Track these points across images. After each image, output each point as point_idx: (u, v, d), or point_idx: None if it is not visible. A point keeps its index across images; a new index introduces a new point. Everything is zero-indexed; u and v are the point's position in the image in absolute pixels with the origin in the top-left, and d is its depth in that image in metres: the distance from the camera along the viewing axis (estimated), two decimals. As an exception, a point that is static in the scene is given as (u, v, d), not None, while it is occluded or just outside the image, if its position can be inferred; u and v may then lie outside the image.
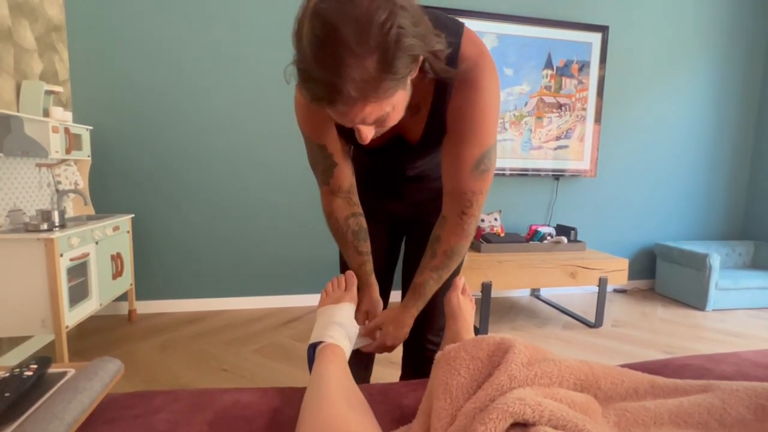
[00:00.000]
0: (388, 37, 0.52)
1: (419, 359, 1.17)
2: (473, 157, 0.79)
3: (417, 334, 1.16)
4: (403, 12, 0.54)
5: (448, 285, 1.02)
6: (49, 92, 2.04)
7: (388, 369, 1.90)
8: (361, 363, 1.17)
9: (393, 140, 0.87)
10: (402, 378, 1.27)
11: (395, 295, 1.11)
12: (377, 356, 2.03)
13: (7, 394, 0.60)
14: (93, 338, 2.25)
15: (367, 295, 0.99)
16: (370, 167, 1.05)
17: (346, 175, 0.91)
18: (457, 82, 0.73)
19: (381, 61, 0.53)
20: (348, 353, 0.84)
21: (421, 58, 0.61)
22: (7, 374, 0.65)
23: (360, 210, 0.98)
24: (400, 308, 0.94)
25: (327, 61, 0.52)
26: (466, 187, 0.83)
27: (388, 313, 0.95)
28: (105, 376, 0.71)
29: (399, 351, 1.32)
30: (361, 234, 0.96)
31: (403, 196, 1.08)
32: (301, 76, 0.56)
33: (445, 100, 0.76)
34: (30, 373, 0.66)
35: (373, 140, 0.72)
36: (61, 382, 0.69)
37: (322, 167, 0.89)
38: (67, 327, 1.77)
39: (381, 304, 1.01)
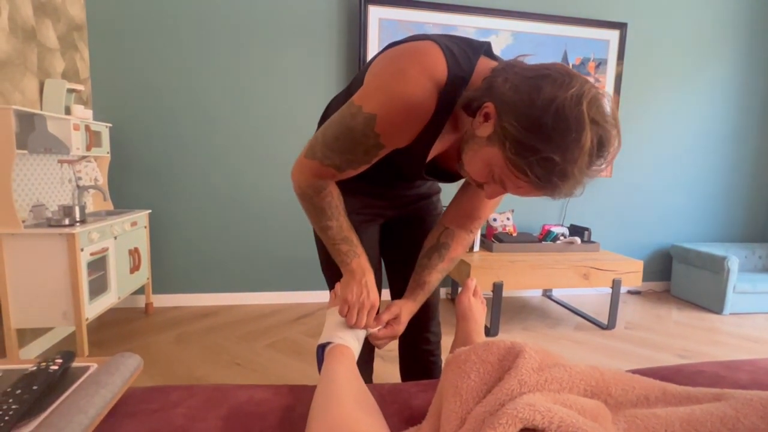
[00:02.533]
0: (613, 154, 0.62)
1: (420, 351, 1.21)
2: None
3: (418, 328, 1.19)
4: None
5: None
6: (70, 90, 2.10)
7: (392, 365, 1.91)
8: (363, 361, 1.18)
9: (430, 164, 0.89)
10: (402, 371, 1.29)
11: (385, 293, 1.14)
12: (381, 352, 2.05)
13: (35, 387, 0.62)
14: (111, 330, 2.32)
15: (373, 277, 0.91)
16: (378, 175, 1.00)
17: (360, 171, 0.88)
18: None
19: (598, 168, 0.62)
20: (357, 354, 0.85)
21: None
22: (35, 368, 0.68)
23: None
24: (412, 301, 0.97)
25: (588, 172, 0.60)
26: (484, 214, 0.97)
27: (403, 304, 0.96)
28: (125, 371, 0.74)
29: (394, 345, 1.34)
30: (345, 209, 0.92)
31: (396, 200, 1.10)
32: (551, 167, 0.58)
33: None
34: (56, 368, 0.69)
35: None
36: (84, 376, 0.72)
37: (354, 158, 0.80)
38: (87, 319, 1.83)
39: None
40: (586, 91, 0.57)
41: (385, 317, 0.92)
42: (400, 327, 0.93)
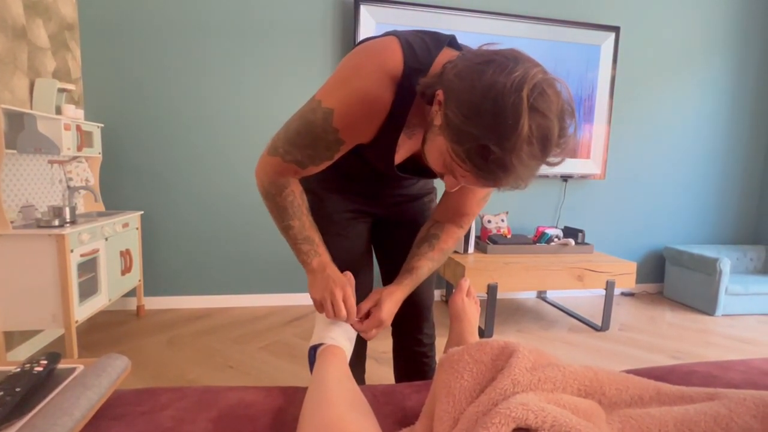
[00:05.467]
0: (563, 148, 0.59)
1: (413, 353, 1.21)
2: (484, 190, 0.91)
3: (411, 329, 1.19)
4: (574, 123, 0.60)
5: (432, 278, 1.16)
6: (61, 90, 2.07)
7: (385, 366, 1.90)
8: (355, 362, 1.18)
9: (410, 161, 0.89)
10: (395, 373, 1.28)
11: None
12: (374, 354, 2.04)
13: (18, 389, 0.61)
14: (102, 333, 2.29)
15: (334, 267, 0.90)
16: (360, 174, 1.01)
17: (323, 168, 0.86)
18: None
19: (544, 162, 0.59)
20: (349, 354, 0.84)
21: None
22: (18, 369, 0.66)
23: None
24: (396, 285, 0.92)
25: (526, 160, 0.56)
26: (470, 210, 0.96)
27: (385, 290, 0.91)
28: (113, 372, 0.72)
29: (388, 347, 1.33)
30: (309, 209, 0.91)
31: (383, 199, 1.10)
32: (485, 154, 0.56)
33: None
34: (40, 369, 0.67)
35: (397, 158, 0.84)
36: (70, 378, 0.70)
37: (316, 154, 0.80)
38: (76, 322, 1.80)
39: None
40: (529, 77, 0.54)
41: (365, 306, 0.89)
42: (382, 313, 0.87)
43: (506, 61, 0.56)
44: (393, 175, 0.89)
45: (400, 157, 0.86)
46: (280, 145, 0.81)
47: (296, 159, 0.80)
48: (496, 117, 0.54)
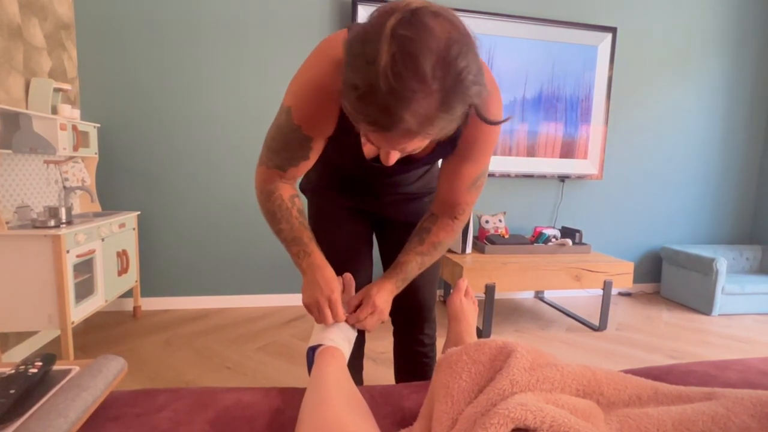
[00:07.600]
0: (459, 78, 0.52)
1: (414, 353, 1.21)
2: (471, 176, 0.88)
3: (411, 329, 1.19)
4: (473, 55, 0.54)
5: (434, 278, 1.16)
6: (57, 90, 2.06)
7: (384, 367, 1.90)
8: (352, 362, 1.17)
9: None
10: (396, 373, 1.28)
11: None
12: (372, 354, 2.04)
13: (12, 391, 0.60)
14: (98, 334, 2.27)
15: (329, 271, 0.87)
16: (357, 173, 1.00)
17: (305, 169, 0.88)
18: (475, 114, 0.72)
19: (443, 101, 0.53)
20: (347, 355, 0.84)
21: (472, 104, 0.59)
22: (13, 371, 0.66)
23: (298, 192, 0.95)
24: (385, 278, 0.91)
25: (398, 90, 0.50)
26: (461, 199, 0.91)
27: (373, 286, 0.90)
28: (108, 374, 0.72)
29: (388, 348, 1.32)
30: (303, 212, 0.92)
31: (381, 198, 1.09)
32: (360, 97, 0.53)
33: (461, 127, 0.75)
34: (35, 370, 0.66)
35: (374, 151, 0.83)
36: (66, 379, 0.70)
37: (291, 155, 0.82)
38: (72, 323, 1.79)
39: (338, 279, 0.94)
40: (401, 7, 0.50)
41: (354, 302, 0.89)
42: (376, 299, 0.86)
43: (393, 4, 0.53)
44: (368, 166, 0.90)
45: (374, 149, 0.85)
46: (264, 154, 0.85)
47: (276, 164, 0.84)
48: (361, 55, 0.51)
